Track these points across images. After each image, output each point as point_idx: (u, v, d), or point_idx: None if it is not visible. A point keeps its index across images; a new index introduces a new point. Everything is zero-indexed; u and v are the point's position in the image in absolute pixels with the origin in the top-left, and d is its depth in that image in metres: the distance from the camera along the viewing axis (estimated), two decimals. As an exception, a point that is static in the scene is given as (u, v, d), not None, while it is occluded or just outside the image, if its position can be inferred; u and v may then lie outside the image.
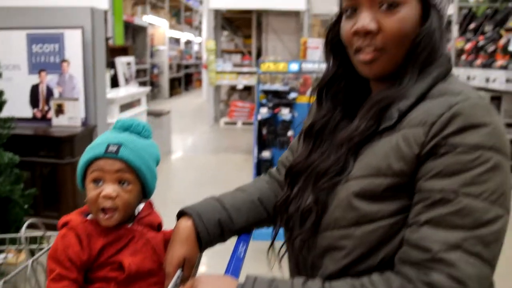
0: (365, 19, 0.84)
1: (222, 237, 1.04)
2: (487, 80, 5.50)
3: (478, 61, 6.20)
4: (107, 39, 4.70)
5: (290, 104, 3.55)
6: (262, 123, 3.60)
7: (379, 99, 0.85)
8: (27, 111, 3.99)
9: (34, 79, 4.02)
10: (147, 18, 11.73)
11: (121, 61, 6.00)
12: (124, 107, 5.11)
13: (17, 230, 1.27)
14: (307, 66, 3.71)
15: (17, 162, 2.71)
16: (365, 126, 0.85)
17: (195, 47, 19.45)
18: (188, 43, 18.64)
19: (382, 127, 0.83)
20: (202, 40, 15.96)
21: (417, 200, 0.77)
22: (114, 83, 5.60)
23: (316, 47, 7.12)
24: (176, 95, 15.23)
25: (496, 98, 5.60)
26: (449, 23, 6.72)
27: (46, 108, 4.01)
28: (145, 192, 1.03)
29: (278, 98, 3.57)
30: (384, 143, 0.81)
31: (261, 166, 3.70)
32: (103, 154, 0.97)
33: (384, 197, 0.79)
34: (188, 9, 17.52)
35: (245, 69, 8.74)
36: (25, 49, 4.00)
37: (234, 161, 5.94)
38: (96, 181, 0.97)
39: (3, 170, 2.59)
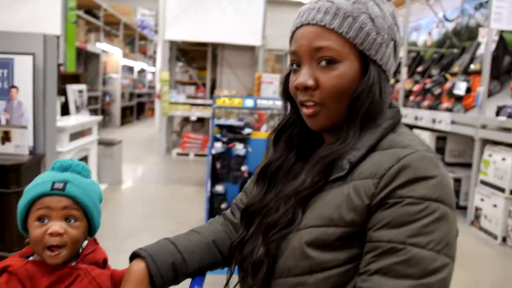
0: (304, 76, 0.88)
1: (175, 280, 1.03)
2: (434, 121, 5.75)
3: (425, 103, 6.47)
4: (58, 65, 4.62)
5: (245, 139, 3.58)
6: (216, 157, 3.60)
7: (325, 155, 0.88)
8: (-30, 138, 3.83)
9: (-20, 104, 3.88)
10: (100, 45, 11.60)
11: (73, 89, 5.88)
12: (74, 135, 4.99)
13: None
14: (262, 102, 3.77)
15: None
16: (311, 181, 0.87)
17: (149, 76, 19.33)
18: (141, 71, 18.51)
19: (334, 177, 0.86)
20: (156, 69, 15.90)
21: (368, 250, 0.80)
22: (65, 110, 5.47)
23: (270, 82, 7.25)
24: (128, 124, 15.00)
25: (442, 138, 5.85)
26: (399, 64, 7.01)
27: (-9, 135, 3.86)
28: (90, 229, 1.03)
29: (232, 133, 3.60)
30: (335, 193, 0.84)
31: (214, 200, 3.69)
32: (49, 191, 0.96)
33: (336, 246, 0.82)
34: (143, 38, 17.47)
35: (199, 101, 8.75)
36: (-28, 73, 3.87)
37: (185, 193, 5.88)
38: (41, 219, 0.96)
39: None
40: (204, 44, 9.17)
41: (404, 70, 7.14)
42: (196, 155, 8.81)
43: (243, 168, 3.60)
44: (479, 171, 4.81)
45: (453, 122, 5.30)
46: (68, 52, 7.85)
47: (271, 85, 7.22)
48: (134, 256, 1.02)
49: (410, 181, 0.79)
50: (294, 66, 0.92)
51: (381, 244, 0.78)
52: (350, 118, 0.88)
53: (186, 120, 9.50)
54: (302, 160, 0.97)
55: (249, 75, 8.94)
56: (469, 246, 4.32)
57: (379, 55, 0.89)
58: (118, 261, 1.16)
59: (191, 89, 9.52)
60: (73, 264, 0.99)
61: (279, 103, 3.82)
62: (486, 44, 4.92)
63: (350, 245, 0.82)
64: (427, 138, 5.82)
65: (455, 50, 7.09)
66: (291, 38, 0.92)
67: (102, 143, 5.97)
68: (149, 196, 5.73)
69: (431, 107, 6.27)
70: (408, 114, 6.43)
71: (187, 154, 8.86)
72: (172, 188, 6.26)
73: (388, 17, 0.91)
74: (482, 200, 4.72)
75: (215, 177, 3.68)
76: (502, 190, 4.41)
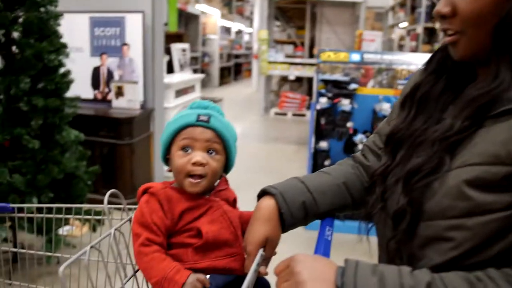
0: (441, 2, 0.81)
1: (304, 220, 1.00)
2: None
3: None
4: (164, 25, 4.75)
5: (350, 95, 3.47)
6: (320, 113, 3.53)
7: (475, 96, 0.78)
8: (88, 93, 4.09)
9: (96, 61, 4.11)
10: (199, 7, 11.81)
11: (177, 48, 6.05)
12: (179, 92, 5.16)
13: (81, 204, 1.31)
14: (369, 56, 3.62)
15: (82, 140, 2.78)
16: (461, 125, 0.78)
17: (246, 37, 19.46)
18: (238, 33, 18.67)
19: (501, 109, 0.76)
20: (253, 30, 15.94)
21: None
22: (170, 69, 5.67)
23: (372, 40, 6.95)
24: (226, 84, 15.32)
25: None
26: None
27: (106, 90, 4.09)
28: (226, 165, 1.04)
29: (338, 88, 3.49)
30: (502, 128, 0.73)
31: (317, 156, 3.64)
32: (194, 122, 0.99)
33: (500, 187, 0.72)
34: (240, -1, 17.55)
35: (297, 60, 8.65)
36: (88, 32, 4.09)
37: (284, 151, 5.90)
38: (185, 148, 0.98)
39: (69, 147, 2.65)
40: (302, 2, 8.98)
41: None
42: (294, 114, 8.79)
43: (349, 124, 3.50)
44: None
45: None
46: (171, 13, 8.06)
47: (372, 43, 6.92)
48: (263, 193, 1.00)
49: None
50: None
51: None
52: (498, 48, 0.77)
53: (284, 79, 9.47)
54: (451, 89, 0.88)
55: (348, 33, 8.65)
56: None
57: None
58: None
59: (289, 48, 9.42)
60: (207, 197, 1.00)
61: (387, 57, 3.64)
62: None
63: None
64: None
65: None
66: None
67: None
68: (250, 153, 5.83)
69: None
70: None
71: (285, 114, 8.87)
72: (272, 146, 6.32)
73: None
74: None
75: (319, 134, 3.62)
76: None
